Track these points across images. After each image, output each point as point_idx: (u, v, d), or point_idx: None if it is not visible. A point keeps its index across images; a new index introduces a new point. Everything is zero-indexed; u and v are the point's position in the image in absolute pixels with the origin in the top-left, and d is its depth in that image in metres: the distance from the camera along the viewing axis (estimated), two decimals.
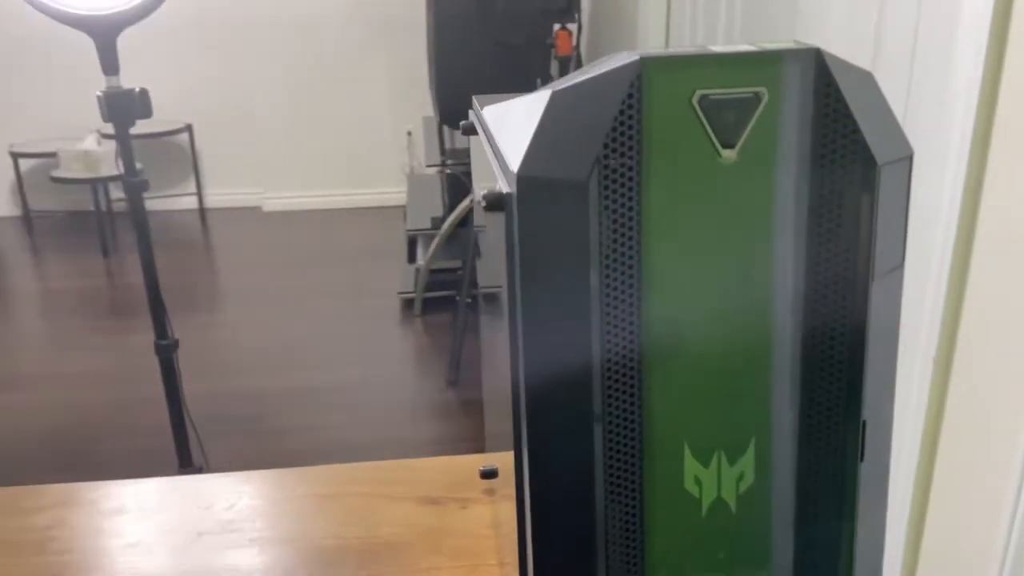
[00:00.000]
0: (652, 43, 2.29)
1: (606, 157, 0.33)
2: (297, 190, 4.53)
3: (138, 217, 1.67)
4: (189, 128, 4.31)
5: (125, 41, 1.54)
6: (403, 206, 4.15)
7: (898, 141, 0.35)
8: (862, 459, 0.37)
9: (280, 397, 2.58)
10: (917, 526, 0.97)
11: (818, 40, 1.13)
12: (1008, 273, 0.82)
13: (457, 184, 3.33)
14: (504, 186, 0.35)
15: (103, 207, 4.05)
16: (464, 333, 2.70)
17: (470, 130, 0.55)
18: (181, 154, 4.46)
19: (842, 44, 1.08)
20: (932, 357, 0.91)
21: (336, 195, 4.53)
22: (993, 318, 0.84)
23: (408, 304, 3.22)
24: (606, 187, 0.33)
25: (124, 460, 2.26)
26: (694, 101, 0.33)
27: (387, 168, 4.53)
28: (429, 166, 3.40)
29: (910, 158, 0.36)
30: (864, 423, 0.37)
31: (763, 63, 0.33)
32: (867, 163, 0.34)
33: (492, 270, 0.45)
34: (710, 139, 0.33)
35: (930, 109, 0.88)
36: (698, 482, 0.37)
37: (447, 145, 3.25)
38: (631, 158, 0.33)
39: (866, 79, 0.35)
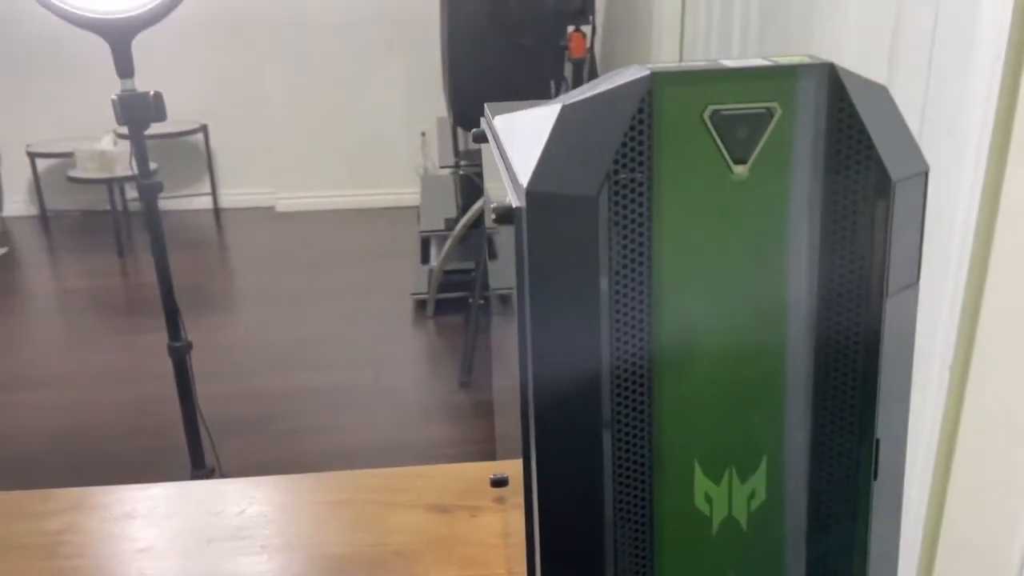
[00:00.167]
0: (666, 45, 2.28)
1: (616, 172, 0.33)
2: (311, 190, 4.55)
3: (152, 220, 1.67)
4: (204, 128, 4.34)
5: (141, 41, 1.55)
6: (416, 207, 4.16)
7: (913, 156, 0.35)
8: (875, 478, 0.37)
9: (292, 398, 2.58)
10: (931, 546, 0.96)
11: (833, 52, 1.13)
12: None
13: (471, 185, 3.33)
14: (514, 200, 0.35)
15: (119, 207, 4.08)
16: (476, 335, 2.70)
17: (481, 138, 0.54)
18: (196, 154, 4.49)
19: (857, 57, 1.07)
20: (948, 365, 0.90)
21: (349, 196, 4.54)
22: (1009, 331, 0.83)
23: (421, 305, 3.22)
24: (616, 202, 0.33)
25: (136, 460, 2.27)
26: (705, 116, 0.33)
27: (401, 169, 4.54)
28: (443, 167, 3.40)
29: (926, 174, 0.35)
30: (878, 441, 0.36)
31: (775, 78, 0.33)
32: (881, 179, 0.33)
33: (505, 271, 0.44)
34: (722, 155, 0.33)
35: (946, 123, 0.87)
36: (708, 499, 0.37)
37: (461, 147, 3.25)
38: (642, 173, 0.33)
39: (881, 93, 0.35)
